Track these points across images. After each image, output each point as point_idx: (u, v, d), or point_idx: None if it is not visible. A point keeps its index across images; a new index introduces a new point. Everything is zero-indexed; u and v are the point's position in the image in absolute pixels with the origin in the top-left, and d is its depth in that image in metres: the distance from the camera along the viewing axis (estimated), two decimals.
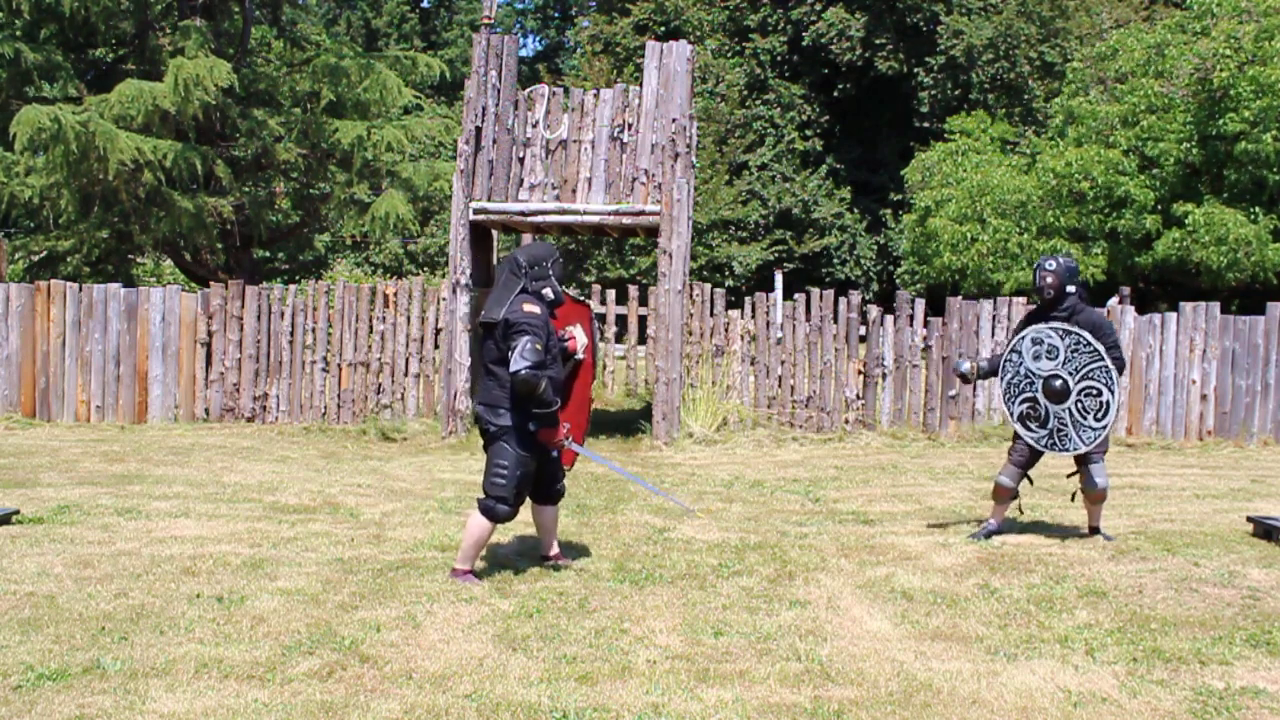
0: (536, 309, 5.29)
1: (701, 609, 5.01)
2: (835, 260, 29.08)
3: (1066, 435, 6.31)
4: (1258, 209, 17.49)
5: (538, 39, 47.90)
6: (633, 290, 14.75)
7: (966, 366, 6.93)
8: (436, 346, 11.79)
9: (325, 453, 10.22)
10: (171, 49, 17.19)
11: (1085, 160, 18.32)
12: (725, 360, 11.63)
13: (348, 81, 17.62)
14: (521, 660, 4.28)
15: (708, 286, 11.86)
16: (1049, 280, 6.48)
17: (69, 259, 18.61)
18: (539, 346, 5.17)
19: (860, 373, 11.71)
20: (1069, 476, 6.80)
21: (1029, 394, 6.42)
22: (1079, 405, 6.26)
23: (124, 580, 5.30)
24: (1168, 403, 11.63)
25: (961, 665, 4.29)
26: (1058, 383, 6.29)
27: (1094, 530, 6.60)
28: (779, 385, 11.68)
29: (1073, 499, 6.77)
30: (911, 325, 11.72)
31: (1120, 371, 6.33)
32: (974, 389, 11.47)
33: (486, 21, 12.04)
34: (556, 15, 46.47)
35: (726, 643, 4.54)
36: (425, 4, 44.44)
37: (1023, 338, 6.47)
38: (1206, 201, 17.79)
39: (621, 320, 14.69)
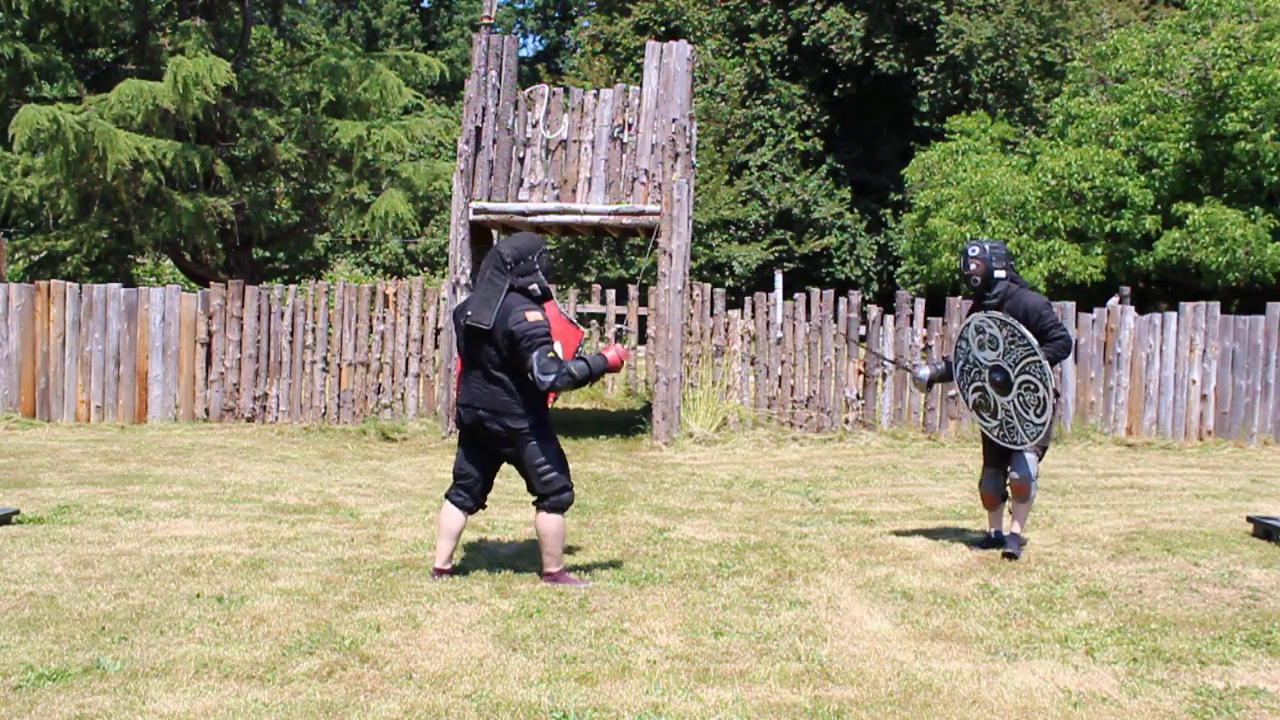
0: (538, 315, 5.18)
1: (701, 609, 5.01)
2: (835, 260, 29.08)
3: (1014, 428, 6.03)
4: (1257, 209, 17.48)
5: (538, 39, 47.90)
6: (633, 290, 14.76)
7: (925, 373, 6.65)
8: (436, 346, 11.79)
9: (325, 453, 10.21)
10: (171, 49, 17.18)
11: (1084, 160, 18.31)
12: (725, 360, 11.63)
13: (348, 81, 17.61)
14: (521, 660, 4.27)
15: (708, 286, 11.86)
16: (972, 267, 6.12)
17: (69, 259, 18.60)
18: (552, 354, 5.11)
19: (860, 373, 11.71)
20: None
21: (978, 383, 6.16)
22: (1020, 399, 5.96)
23: (124, 580, 5.30)
24: (1168, 403, 11.63)
25: (961, 665, 4.29)
26: (999, 375, 6.02)
27: (1012, 535, 6.06)
28: (779, 385, 11.68)
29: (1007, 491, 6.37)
30: (911, 325, 11.72)
31: (1064, 356, 5.97)
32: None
33: (486, 21, 12.04)
34: (556, 15, 46.44)
35: (726, 643, 4.54)
36: (425, 4, 44.44)
37: (968, 324, 6.20)
38: (1206, 202, 17.78)
39: (621, 320, 14.70)
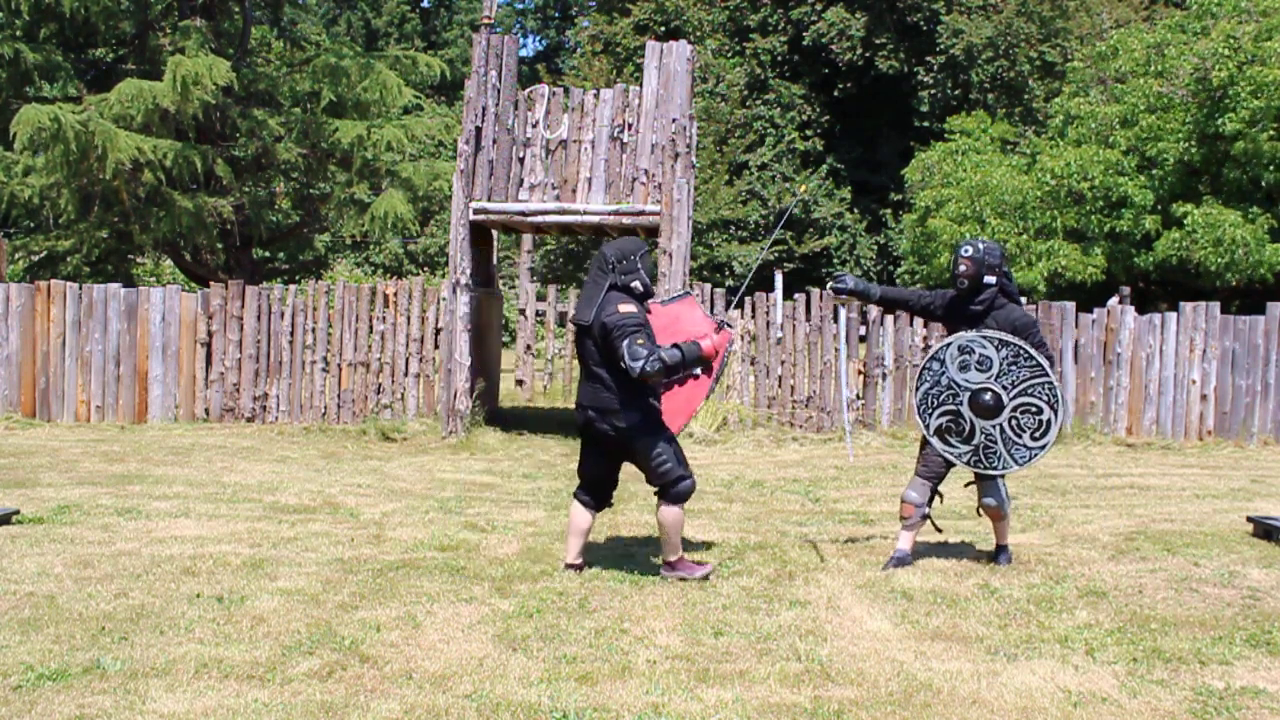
0: (632, 307, 5.29)
1: (701, 609, 5.01)
2: (835, 260, 29.09)
3: (995, 453, 5.63)
4: (1256, 209, 17.49)
5: (538, 39, 47.92)
6: None
7: (850, 283, 5.93)
8: (436, 346, 11.79)
9: (325, 453, 10.21)
10: (171, 49, 17.17)
11: (1084, 160, 18.32)
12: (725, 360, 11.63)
13: (348, 81, 17.61)
14: (521, 660, 4.28)
15: (708, 286, 11.87)
16: (962, 268, 5.66)
17: (69, 259, 18.60)
18: (641, 341, 5.20)
19: (860, 373, 11.71)
20: (966, 486, 6.26)
21: (950, 407, 5.68)
22: (1013, 422, 5.59)
23: (124, 580, 5.30)
24: (1168, 403, 11.63)
25: (961, 665, 4.29)
26: (987, 396, 5.59)
27: (999, 549, 5.93)
28: (779, 385, 11.68)
29: (978, 513, 6.06)
30: (911, 325, 11.72)
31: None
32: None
33: (486, 21, 12.04)
34: (556, 15, 46.46)
35: (726, 643, 4.54)
36: (425, 4, 44.45)
37: (948, 345, 5.71)
38: (1205, 202, 17.79)
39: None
